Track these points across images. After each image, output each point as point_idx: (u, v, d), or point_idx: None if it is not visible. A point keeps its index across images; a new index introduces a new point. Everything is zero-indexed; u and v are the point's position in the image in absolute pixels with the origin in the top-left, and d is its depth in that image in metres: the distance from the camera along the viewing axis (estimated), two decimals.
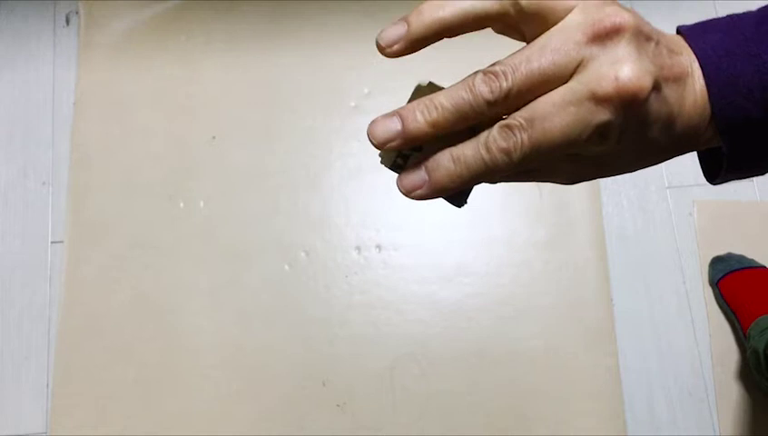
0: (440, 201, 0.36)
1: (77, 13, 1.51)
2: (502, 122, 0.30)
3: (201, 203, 1.37)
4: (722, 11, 1.43)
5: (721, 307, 1.28)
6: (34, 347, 1.31)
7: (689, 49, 0.32)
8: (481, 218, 1.35)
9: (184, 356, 1.29)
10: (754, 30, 0.32)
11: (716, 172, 0.35)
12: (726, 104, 0.31)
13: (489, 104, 0.29)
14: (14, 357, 1.31)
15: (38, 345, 1.31)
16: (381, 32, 0.32)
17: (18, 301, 1.34)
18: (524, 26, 0.31)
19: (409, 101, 0.33)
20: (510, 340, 1.29)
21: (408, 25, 0.31)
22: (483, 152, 0.30)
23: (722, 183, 0.35)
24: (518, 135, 0.29)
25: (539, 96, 0.29)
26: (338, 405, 1.26)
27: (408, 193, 0.32)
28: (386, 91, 1.41)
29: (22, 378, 1.30)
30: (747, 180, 1.37)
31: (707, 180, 0.36)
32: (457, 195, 0.35)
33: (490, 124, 0.30)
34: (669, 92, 0.30)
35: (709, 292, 1.30)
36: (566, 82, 0.29)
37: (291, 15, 1.49)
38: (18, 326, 1.32)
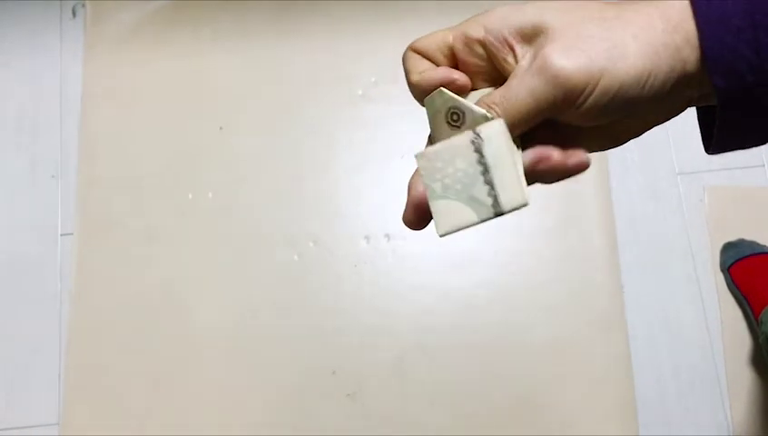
0: None
1: (83, 5, 1.51)
2: None
3: (210, 194, 1.37)
4: None
5: (732, 293, 1.28)
6: (45, 339, 1.32)
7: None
8: None
9: (194, 346, 1.29)
10: None
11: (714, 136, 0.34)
12: (717, 43, 0.30)
13: None
14: (25, 349, 1.32)
15: (49, 337, 1.32)
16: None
17: (29, 293, 1.34)
18: None
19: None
20: (520, 328, 1.28)
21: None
22: None
23: (718, 150, 0.34)
24: None
25: None
26: (348, 394, 1.26)
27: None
28: (392, 79, 1.40)
29: (34, 370, 1.31)
30: (759, 166, 1.36)
31: (705, 149, 0.35)
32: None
33: None
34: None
35: (720, 278, 1.29)
36: None
37: (297, 5, 1.48)
38: (29, 318, 1.33)
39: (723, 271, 1.29)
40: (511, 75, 0.33)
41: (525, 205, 0.35)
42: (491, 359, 1.27)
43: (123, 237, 1.36)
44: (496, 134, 0.33)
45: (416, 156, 0.34)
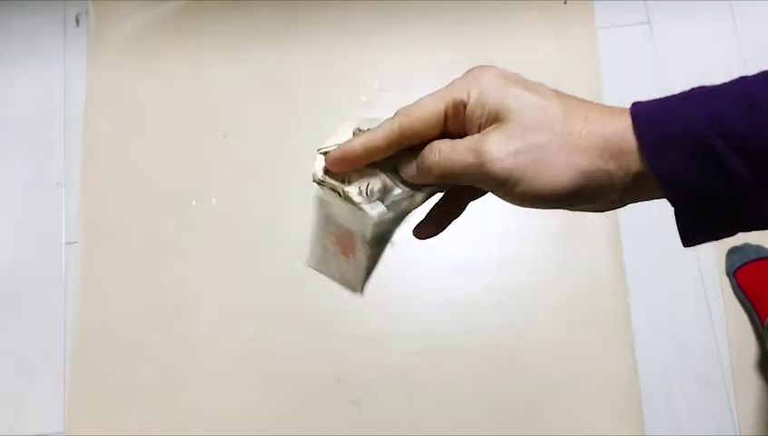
0: None
1: (87, 13, 1.52)
2: None
3: (214, 201, 1.37)
4: (738, 12, 1.41)
5: (738, 297, 1.27)
6: (50, 347, 1.32)
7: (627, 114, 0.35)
8: (493, 211, 1.34)
9: (199, 354, 1.29)
10: (688, 91, 0.34)
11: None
12: (662, 163, 0.33)
13: None
14: (31, 358, 1.32)
15: (55, 346, 1.32)
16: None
17: (34, 302, 1.35)
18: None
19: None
20: (525, 332, 1.28)
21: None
22: None
23: (690, 245, 0.36)
24: None
25: None
26: (352, 401, 1.26)
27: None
28: (396, 85, 1.40)
29: (39, 378, 1.31)
30: None
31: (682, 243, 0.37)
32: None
33: None
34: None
35: (726, 282, 1.29)
36: None
37: (301, 12, 1.49)
38: (34, 327, 1.33)
39: (728, 275, 1.28)
40: (465, 140, 0.37)
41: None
42: (496, 363, 1.27)
43: (127, 245, 1.36)
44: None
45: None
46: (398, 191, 0.40)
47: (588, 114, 0.35)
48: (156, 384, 1.28)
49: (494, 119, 0.36)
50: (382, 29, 1.46)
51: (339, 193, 0.39)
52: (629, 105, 0.35)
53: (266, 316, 1.31)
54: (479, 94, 0.36)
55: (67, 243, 1.37)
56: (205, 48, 1.48)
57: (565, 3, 1.44)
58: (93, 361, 1.31)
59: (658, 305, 1.29)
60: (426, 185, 0.40)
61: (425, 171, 0.38)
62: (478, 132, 0.37)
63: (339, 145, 0.39)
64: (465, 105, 0.37)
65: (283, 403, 1.27)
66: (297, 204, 1.37)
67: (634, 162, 0.34)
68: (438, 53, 1.41)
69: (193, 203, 1.37)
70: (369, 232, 0.39)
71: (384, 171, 0.40)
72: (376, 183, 0.39)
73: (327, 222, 0.41)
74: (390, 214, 0.39)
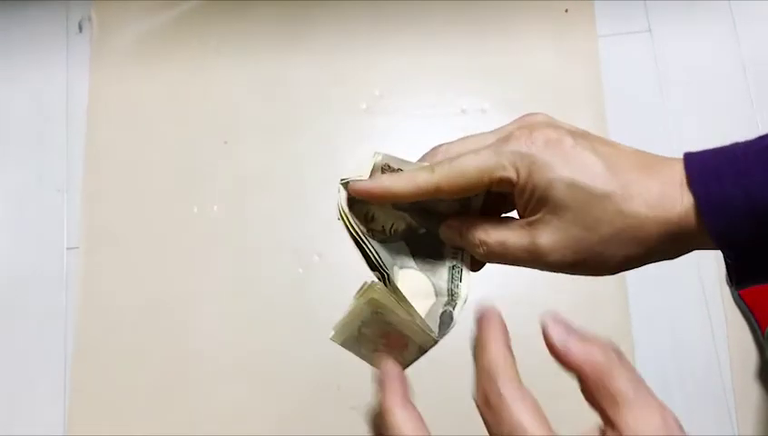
0: None
1: (90, 19, 1.52)
2: None
3: (215, 208, 1.37)
4: (737, 11, 1.41)
5: (739, 307, 1.27)
6: (51, 352, 1.32)
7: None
8: None
9: (199, 360, 1.29)
10: (746, 146, 0.33)
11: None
12: (719, 223, 0.32)
13: None
14: (31, 362, 1.32)
15: (55, 350, 1.32)
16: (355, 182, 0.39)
17: (35, 306, 1.35)
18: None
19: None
20: (525, 339, 1.27)
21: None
22: None
23: (741, 288, 0.37)
24: None
25: None
26: (353, 408, 1.25)
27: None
28: (396, 93, 1.40)
29: (39, 382, 1.31)
30: None
31: (729, 284, 0.38)
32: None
33: None
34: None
35: (726, 291, 1.29)
36: None
37: (302, 19, 1.49)
38: (35, 331, 1.33)
39: (728, 284, 1.28)
40: (515, 235, 0.37)
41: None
42: None
43: (128, 251, 1.36)
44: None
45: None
46: (422, 231, 0.40)
47: (648, 197, 0.34)
48: (156, 389, 1.28)
49: (544, 203, 0.35)
50: (383, 36, 1.46)
51: (383, 275, 0.38)
52: (682, 155, 0.35)
53: (267, 322, 1.31)
54: (529, 175, 0.34)
55: (68, 248, 1.37)
56: (208, 54, 1.48)
57: (566, 11, 1.44)
58: (93, 366, 1.31)
59: (658, 314, 1.29)
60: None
61: (469, 251, 0.39)
62: (525, 209, 0.36)
63: (369, 179, 0.38)
64: (513, 184, 0.35)
65: (283, 410, 1.26)
66: (298, 211, 1.37)
67: (693, 242, 0.34)
68: (438, 58, 1.41)
69: (195, 209, 1.37)
70: (429, 346, 0.38)
71: (409, 211, 0.39)
72: (400, 223, 0.38)
73: (375, 319, 0.38)
74: (450, 329, 0.39)
